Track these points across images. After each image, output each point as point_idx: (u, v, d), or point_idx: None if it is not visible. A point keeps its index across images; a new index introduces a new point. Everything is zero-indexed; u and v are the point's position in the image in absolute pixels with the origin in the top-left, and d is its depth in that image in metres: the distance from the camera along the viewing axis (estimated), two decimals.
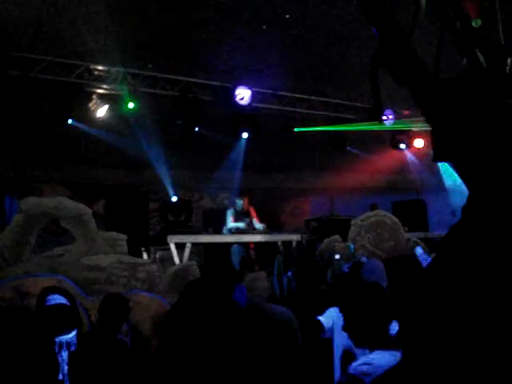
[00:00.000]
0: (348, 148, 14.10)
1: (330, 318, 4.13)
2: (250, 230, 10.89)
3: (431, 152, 1.91)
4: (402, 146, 14.62)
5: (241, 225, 10.87)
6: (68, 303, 4.41)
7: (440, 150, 1.89)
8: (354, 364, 2.90)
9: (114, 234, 8.40)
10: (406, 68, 1.93)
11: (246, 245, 10.95)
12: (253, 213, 11.21)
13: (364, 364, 2.86)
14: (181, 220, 12.10)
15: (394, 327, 3.94)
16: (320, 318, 4.09)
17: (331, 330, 4.07)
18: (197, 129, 11.86)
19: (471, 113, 1.78)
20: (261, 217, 11.34)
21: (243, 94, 11.57)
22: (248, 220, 10.96)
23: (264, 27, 10.08)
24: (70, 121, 10.76)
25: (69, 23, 9.14)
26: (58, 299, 4.37)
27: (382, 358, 2.86)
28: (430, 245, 10.17)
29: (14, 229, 7.63)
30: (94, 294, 6.84)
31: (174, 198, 12.98)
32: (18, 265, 7.38)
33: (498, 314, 1.52)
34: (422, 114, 1.90)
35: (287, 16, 9.86)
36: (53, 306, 4.30)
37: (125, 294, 7.23)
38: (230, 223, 10.90)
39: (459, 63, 2.03)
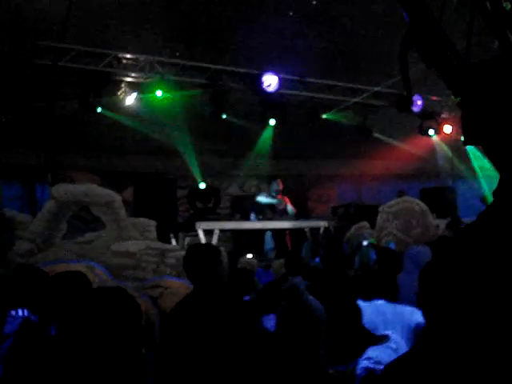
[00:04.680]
0: (375, 135, 14.01)
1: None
2: (282, 213, 10.96)
3: (461, 136, 1.90)
4: (431, 132, 14.48)
5: (274, 201, 10.94)
6: None
7: (471, 133, 1.87)
8: (361, 364, 2.93)
9: (143, 221, 8.47)
10: (437, 51, 1.92)
11: (279, 232, 10.98)
12: (287, 202, 11.28)
13: (369, 361, 2.90)
14: (209, 207, 12.16)
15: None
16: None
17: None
18: (224, 116, 11.90)
19: (503, 96, 1.76)
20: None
21: (270, 81, 11.54)
22: (282, 200, 11.03)
23: (291, 13, 10.04)
24: (99, 109, 10.95)
25: (97, 12, 9.22)
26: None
27: (381, 354, 2.92)
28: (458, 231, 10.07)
29: (45, 215, 7.75)
30: (124, 279, 6.92)
31: (202, 185, 13.03)
32: (50, 251, 7.50)
33: None
34: (453, 96, 1.89)
35: (314, 2, 9.81)
36: None
37: (154, 279, 7.33)
38: (263, 197, 10.96)
39: (491, 46, 2.01)
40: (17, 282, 3.94)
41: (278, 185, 11.15)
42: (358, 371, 2.92)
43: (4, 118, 11.23)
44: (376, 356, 2.93)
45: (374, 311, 3.67)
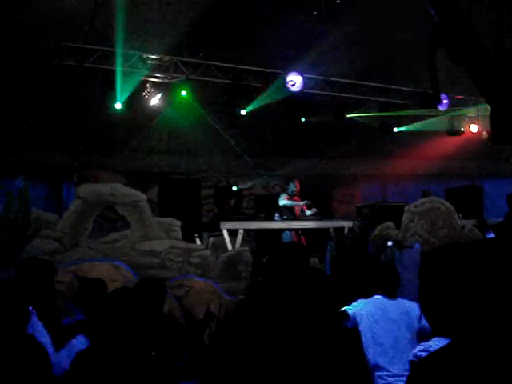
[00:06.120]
0: (396, 131, 13.92)
1: (357, 308, 4.27)
2: (302, 215, 10.92)
3: (489, 135, 1.88)
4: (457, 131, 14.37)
5: (301, 203, 10.91)
6: None
7: (499, 131, 1.85)
8: (414, 350, 3.00)
9: (168, 220, 8.50)
10: (466, 48, 1.89)
11: (296, 231, 10.95)
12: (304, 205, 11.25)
13: (423, 351, 2.94)
14: (233, 206, 12.18)
15: None
16: (347, 308, 4.20)
17: (354, 319, 4.19)
18: (244, 113, 11.90)
19: None
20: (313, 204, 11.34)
21: (295, 80, 11.51)
22: (308, 202, 11.02)
23: (315, 13, 10.03)
24: (118, 105, 10.90)
25: (122, 14, 9.29)
26: None
27: (436, 344, 2.90)
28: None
29: (71, 215, 7.81)
30: None
31: (235, 188, 13.10)
32: (76, 250, 7.57)
33: None
34: (481, 94, 1.87)
35: (338, 1, 9.79)
36: None
37: (178, 278, 7.37)
38: (284, 200, 10.88)
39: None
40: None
41: (295, 185, 11.03)
42: (410, 357, 3.01)
43: (31, 118, 11.37)
44: (430, 345, 2.98)
45: None
